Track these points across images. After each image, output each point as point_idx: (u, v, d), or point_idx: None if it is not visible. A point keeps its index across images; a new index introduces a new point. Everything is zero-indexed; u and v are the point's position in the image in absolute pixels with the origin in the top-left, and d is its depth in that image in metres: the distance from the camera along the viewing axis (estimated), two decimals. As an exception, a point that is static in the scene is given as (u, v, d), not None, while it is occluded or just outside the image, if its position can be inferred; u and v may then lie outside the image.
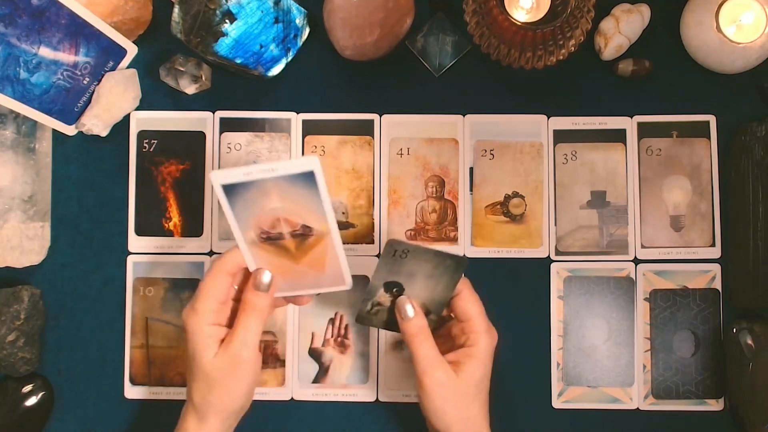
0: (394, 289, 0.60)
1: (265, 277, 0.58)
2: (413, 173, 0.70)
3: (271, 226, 0.56)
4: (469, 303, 0.60)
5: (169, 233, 0.70)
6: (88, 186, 0.71)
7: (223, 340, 0.58)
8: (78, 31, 0.64)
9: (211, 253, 0.70)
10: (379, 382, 0.69)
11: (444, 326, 0.63)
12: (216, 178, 0.54)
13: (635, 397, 0.69)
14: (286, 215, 0.55)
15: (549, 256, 0.70)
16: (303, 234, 0.56)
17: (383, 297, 0.61)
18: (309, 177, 0.53)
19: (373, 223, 0.70)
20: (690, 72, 0.70)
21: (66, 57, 0.65)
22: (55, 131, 0.70)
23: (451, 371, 0.58)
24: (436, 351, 0.59)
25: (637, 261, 0.69)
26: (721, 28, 0.65)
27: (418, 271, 0.59)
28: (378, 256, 0.70)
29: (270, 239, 0.57)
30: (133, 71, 0.70)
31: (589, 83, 0.71)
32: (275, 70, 0.69)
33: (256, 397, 0.62)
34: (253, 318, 0.58)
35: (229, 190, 0.54)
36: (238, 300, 0.60)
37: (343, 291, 0.61)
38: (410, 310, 0.59)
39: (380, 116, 0.71)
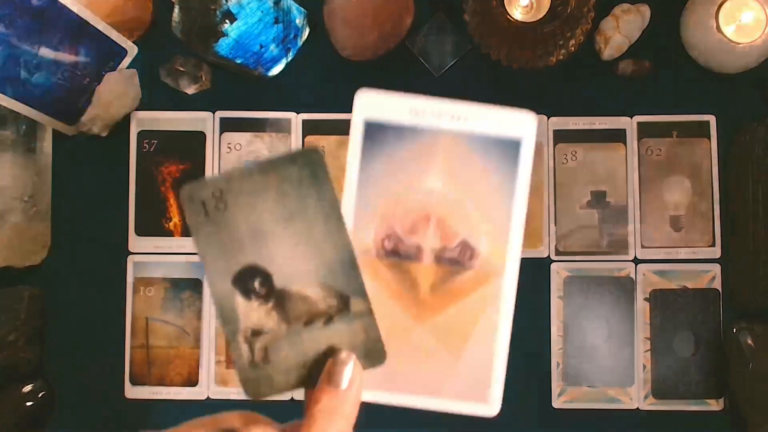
0: (256, 282, 0.33)
1: (348, 368, 0.34)
2: (413, 173, 0.69)
3: (409, 227, 0.34)
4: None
5: (169, 233, 0.70)
6: (88, 186, 0.71)
7: None
8: (78, 31, 0.64)
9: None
10: (379, 382, 0.69)
11: None
12: (361, 107, 0.34)
13: (635, 397, 0.69)
14: (442, 213, 0.34)
15: (549, 256, 0.70)
16: (456, 260, 0.34)
17: (254, 311, 0.33)
18: (507, 148, 0.34)
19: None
20: (690, 72, 0.70)
21: (66, 57, 0.65)
22: (55, 131, 0.70)
23: None
24: None
25: (637, 261, 0.69)
26: (721, 28, 0.65)
27: (260, 222, 0.33)
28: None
29: (396, 254, 0.34)
30: (133, 71, 0.70)
31: (589, 83, 0.71)
32: (275, 70, 0.69)
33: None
34: (331, 428, 0.35)
35: (372, 134, 0.34)
36: None
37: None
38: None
39: (380, 116, 0.71)
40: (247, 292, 0.33)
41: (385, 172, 0.34)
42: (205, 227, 0.34)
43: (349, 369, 0.34)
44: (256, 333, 0.34)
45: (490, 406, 0.35)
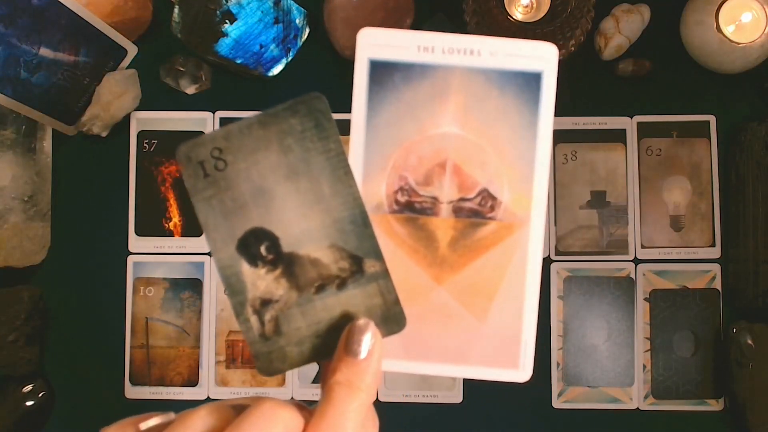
0: (262, 247, 0.31)
1: (366, 336, 0.31)
2: (413, 173, 0.70)
3: (423, 177, 0.31)
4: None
5: (169, 233, 0.70)
6: (88, 186, 0.71)
7: None
8: (78, 31, 0.64)
9: (211, 254, 0.70)
10: (379, 382, 0.69)
11: None
12: (365, 45, 0.32)
13: (635, 397, 0.69)
14: (458, 159, 0.30)
15: (549, 256, 0.70)
16: (476, 211, 0.31)
17: (261, 279, 0.31)
18: (527, 84, 0.31)
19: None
20: (690, 72, 0.70)
21: (66, 57, 0.65)
22: (55, 131, 0.70)
23: None
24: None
25: (637, 261, 0.69)
26: (721, 28, 0.65)
27: (264, 181, 0.31)
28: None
29: (411, 208, 0.31)
30: (133, 71, 0.70)
31: (589, 83, 0.71)
32: (275, 70, 0.69)
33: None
34: (351, 402, 0.30)
35: (378, 75, 0.31)
36: None
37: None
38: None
39: (380, 116, 0.71)
40: (253, 259, 0.31)
41: (393, 118, 0.31)
42: (205, 190, 0.31)
43: (368, 337, 0.31)
44: (265, 303, 0.31)
45: (521, 371, 0.31)
